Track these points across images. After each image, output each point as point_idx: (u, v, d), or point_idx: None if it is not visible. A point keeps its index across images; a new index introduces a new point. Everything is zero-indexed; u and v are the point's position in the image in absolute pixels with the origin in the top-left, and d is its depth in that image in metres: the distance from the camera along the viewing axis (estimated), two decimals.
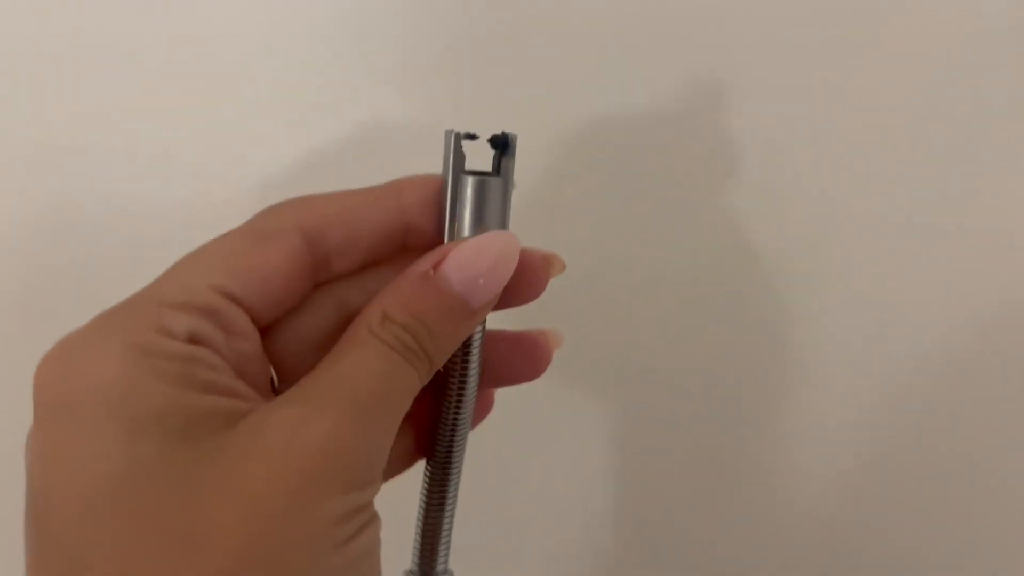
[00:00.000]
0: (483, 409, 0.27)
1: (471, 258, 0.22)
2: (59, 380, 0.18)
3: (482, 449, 0.29)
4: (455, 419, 0.24)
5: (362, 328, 0.21)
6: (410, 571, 0.26)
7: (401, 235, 0.23)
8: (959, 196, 0.41)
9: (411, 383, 0.21)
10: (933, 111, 0.40)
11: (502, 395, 0.28)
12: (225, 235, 0.21)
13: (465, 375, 0.24)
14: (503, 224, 0.23)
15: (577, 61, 0.40)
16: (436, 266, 0.21)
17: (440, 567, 0.26)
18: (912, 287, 0.41)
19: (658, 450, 0.44)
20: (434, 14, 0.39)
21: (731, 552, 0.44)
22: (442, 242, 0.23)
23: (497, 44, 0.40)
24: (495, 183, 0.23)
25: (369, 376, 0.20)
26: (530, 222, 0.29)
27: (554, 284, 0.25)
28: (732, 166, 0.41)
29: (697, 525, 0.44)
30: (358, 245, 0.23)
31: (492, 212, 0.23)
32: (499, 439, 0.34)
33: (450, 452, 0.25)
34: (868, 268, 0.41)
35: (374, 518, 0.20)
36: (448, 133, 0.23)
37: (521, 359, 0.26)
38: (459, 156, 0.23)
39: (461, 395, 0.24)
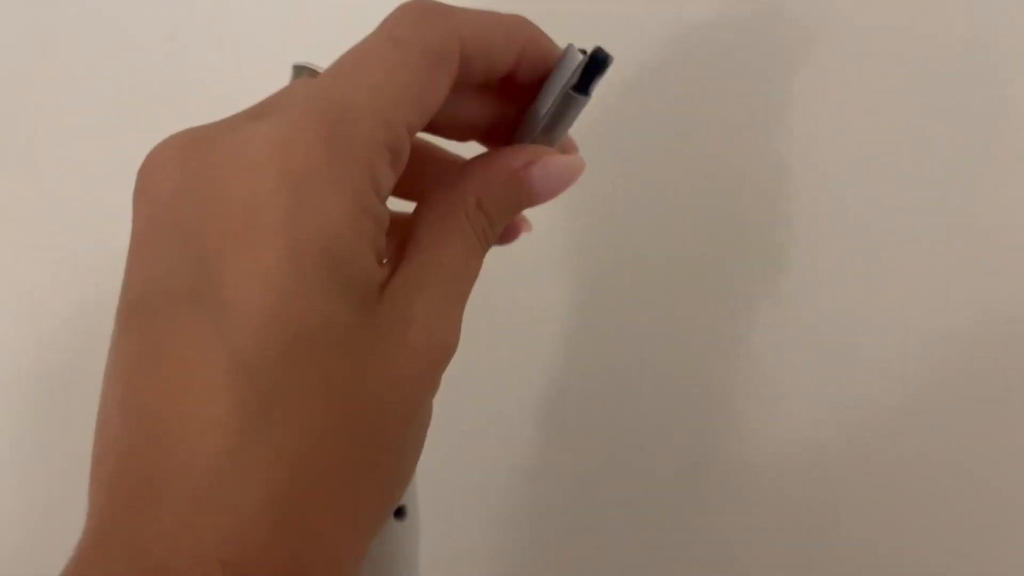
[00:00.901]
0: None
1: (560, 173, 0.23)
2: (289, 214, 0.18)
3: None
4: None
5: (460, 214, 0.22)
6: None
7: (502, 78, 0.23)
8: (966, 195, 0.41)
9: (478, 266, 0.22)
10: (938, 109, 0.40)
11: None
12: (389, 48, 0.20)
13: None
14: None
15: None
16: (527, 166, 0.23)
17: None
18: (910, 283, 0.41)
19: (645, 448, 0.44)
20: None
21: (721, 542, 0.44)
22: (521, 127, 0.24)
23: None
24: (583, 103, 0.23)
25: (464, 266, 0.22)
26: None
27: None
28: (734, 166, 0.41)
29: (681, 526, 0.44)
30: (484, 70, 0.22)
31: (569, 127, 0.24)
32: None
33: None
34: (867, 265, 0.41)
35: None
36: (571, 48, 0.23)
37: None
38: (574, 73, 0.22)
39: None
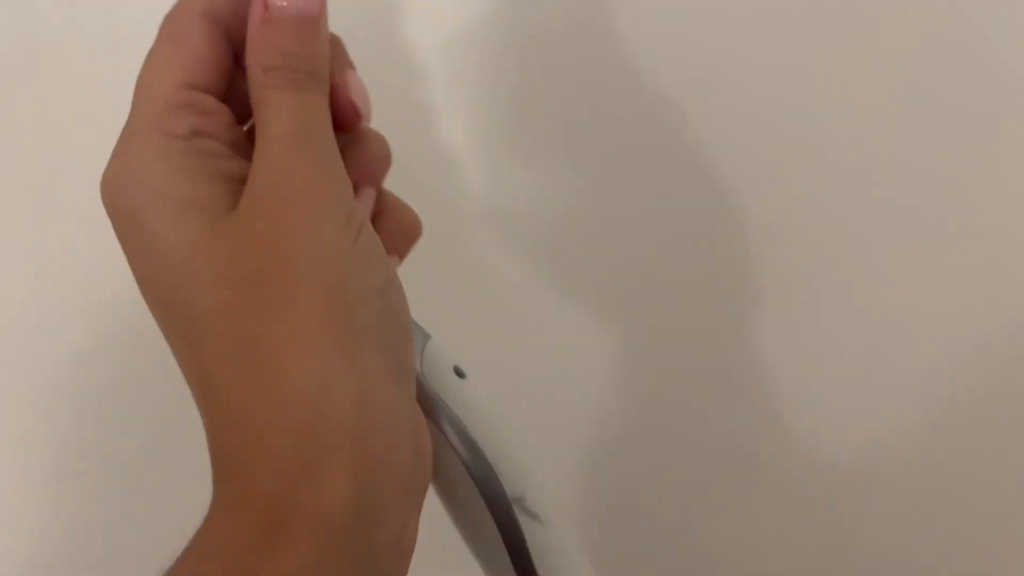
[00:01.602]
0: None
1: None
2: (120, 194, 0.23)
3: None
4: None
5: (257, 88, 0.24)
6: None
7: None
8: (992, 199, 0.41)
9: (320, 104, 0.24)
10: (944, 108, 0.40)
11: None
12: (151, 51, 0.24)
13: None
14: None
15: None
16: (266, 6, 0.24)
17: None
18: (932, 286, 0.42)
19: (664, 448, 0.44)
20: None
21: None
22: None
23: None
24: None
25: (289, 120, 0.23)
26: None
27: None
28: (736, 166, 0.42)
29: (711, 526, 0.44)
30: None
31: None
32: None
33: None
34: (886, 267, 0.41)
35: (365, 223, 0.24)
36: None
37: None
38: None
39: None
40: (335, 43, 0.26)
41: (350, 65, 0.27)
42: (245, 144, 0.24)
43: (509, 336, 0.43)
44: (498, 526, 0.26)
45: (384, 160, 0.28)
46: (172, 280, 0.22)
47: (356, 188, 0.25)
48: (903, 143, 0.41)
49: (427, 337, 0.27)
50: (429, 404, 0.26)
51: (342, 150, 0.24)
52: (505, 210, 0.42)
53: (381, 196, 0.28)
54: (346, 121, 0.25)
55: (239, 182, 0.23)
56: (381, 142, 0.28)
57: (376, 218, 0.27)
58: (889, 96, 0.41)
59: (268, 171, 0.22)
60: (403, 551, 0.22)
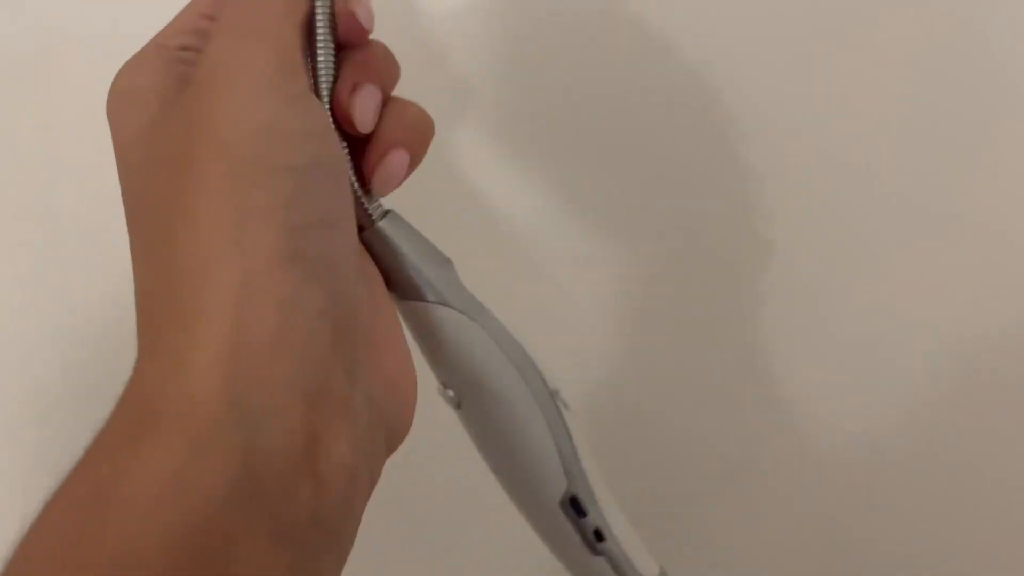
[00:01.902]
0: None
1: None
2: (110, 96, 0.24)
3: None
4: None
5: None
6: None
7: None
8: (988, 195, 0.41)
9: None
10: (956, 109, 0.40)
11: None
12: None
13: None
14: None
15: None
16: None
17: None
18: (932, 284, 0.42)
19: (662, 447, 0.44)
20: None
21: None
22: None
23: None
24: None
25: (229, 9, 0.23)
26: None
27: None
28: (739, 167, 0.41)
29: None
30: None
31: None
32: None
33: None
34: (886, 266, 0.41)
35: (302, 99, 0.23)
36: None
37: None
38: None
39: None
40: None
41: None
42: None
43: None
44: (545, 416, 0.27)
45: (387, 61, 0.26)
46: (123, 166, 0.23)
47: (355, 86, 0.24)
48: (904, 141, 0.41)
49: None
50: (469, 306, 0.26)
51: (345, 55, 0.25)
52: (505, 209, 0.42)
53: (388, 100, 0.26)
54: (349, 33, 0.25)
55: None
56: (384, 49, 0.26)
57: (381, 118, 0.26)
58: (891, 95, 0.41)
59: (205, 58, 0.22)
60: (315, 473, 0.20)
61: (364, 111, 0.24)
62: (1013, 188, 0.41)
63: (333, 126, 0.24)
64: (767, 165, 0.41)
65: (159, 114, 0.22)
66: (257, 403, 0.19)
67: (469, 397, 0.27)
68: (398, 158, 0.25)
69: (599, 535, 0.28)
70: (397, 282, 0.26)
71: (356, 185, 0.25)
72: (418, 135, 0.26)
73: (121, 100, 0.24)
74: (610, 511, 0.29)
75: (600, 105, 0.42)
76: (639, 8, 0.41)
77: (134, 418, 0.19)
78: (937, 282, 0.41)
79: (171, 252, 0.20)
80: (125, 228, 0.43)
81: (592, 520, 0.28)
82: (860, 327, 0.42)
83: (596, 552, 0.28)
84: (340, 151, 0.24)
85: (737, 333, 0.43)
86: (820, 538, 0.44)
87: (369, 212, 0.26)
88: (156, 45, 0.25)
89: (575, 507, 0.28)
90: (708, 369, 0.43)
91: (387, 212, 0.26)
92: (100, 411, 0.44)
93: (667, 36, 0.41)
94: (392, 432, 0.25)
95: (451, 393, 0.27)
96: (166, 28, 0.25)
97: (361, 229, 0.26)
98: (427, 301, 0.26)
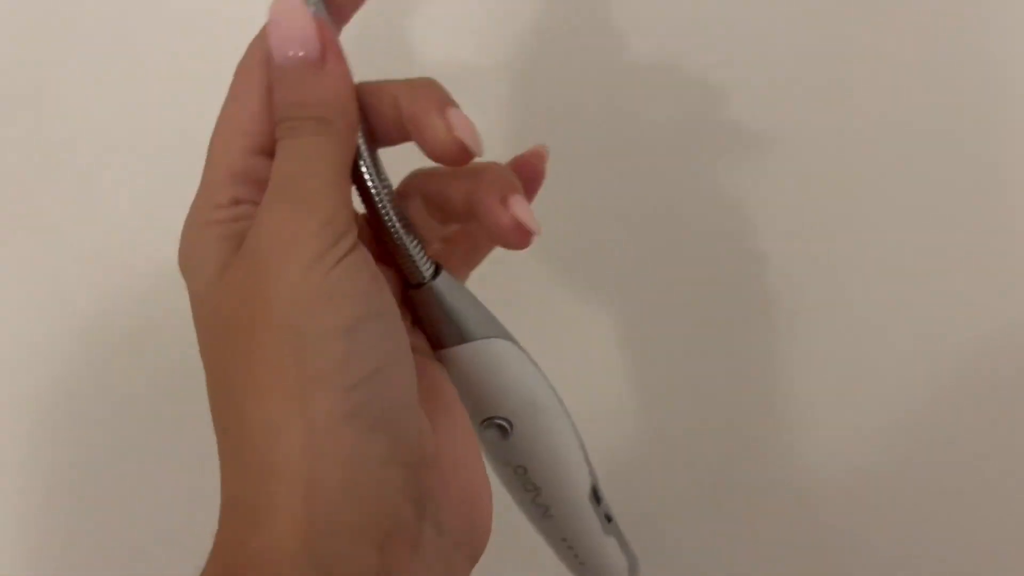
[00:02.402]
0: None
1: (269, 30, 0.24)
2: (179, 255, 0.25)
3: None
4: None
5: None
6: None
7: None
8: (990, 204, 0.41)
9: (317, 145, 0.24)
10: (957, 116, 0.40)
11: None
12: (222, 108, 0.25)
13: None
14: None
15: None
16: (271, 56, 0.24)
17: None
18: (934, 297, 0.42)
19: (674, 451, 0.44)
20: None
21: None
22: None
23: None
24: None
25: (276, 170, 0.24)
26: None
27: None
28: (742, 167, 0.42)
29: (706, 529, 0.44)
30: None
31: None
32: None
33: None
34: (886, 271, 0.42)
35: (352, 250, 0.23)
36: None
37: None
38: None
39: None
40: (422, 85, 0.25)
41: (450, 103, 0.25)
42: None
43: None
44: (569, 418, 0.29)
45: (502, 180, 0.27)
46: (196, 320, 0.24)
47: (503, 199, 0.25)
48: (906, 142, 0.41)
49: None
50: (508, 332, 0.28)
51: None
52: None
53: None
54: (456, 159, 0.25)
55: None
56: (497, 171, 0.27)
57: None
58: (889, 99, 0.41)
59: (257, 227, 0.23)
60: None
61: (525, 214, 0.26)
62: (1013, 188, 0.41)
63: (380, 275, 0.24)
64: (767, 166, 0.41)
65: (219, 279, 0.23)
66: (330, 551, 0.21)
67: (522, 420, 0.28)
68: (519, 206, 0.26)
69: (608, 517, 0.32)
70: (449, 332, 0.27)
71: (412, 246, 0.26)
72: (513, 179, 0.27)
73: (186, 262, 0.24)
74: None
75: (592, 101, 0.42)
76: (635, 15, 0.41)
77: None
78: (937, 282, 0.41)
79: (240, 417, 0.22)
80: (119, 239, 0.43)
81: (605, 504, 0.31)
82: (861, 327, 0.42)
83: (607, 533, 0.32)
84: (389, 298, 0.24)
85: (737, 334, 0.42)
86: (818, 544, 0.44)
87: (422, 271, 0.26)
88: (207, 200, 0.24)
89: (595, 494, 0.31)
90: (708, 370, 0.43)
91: (438, 268, 0.27)
92: (100, 411, 0.44)
93: (664, 48, 0.41)
94: (473, 546, 0.26)
95: (501, 423, 0.28)
96: (209, 171, 0.25)
97: (413, 286, 0.27)
98: (481, 339, 0.27)
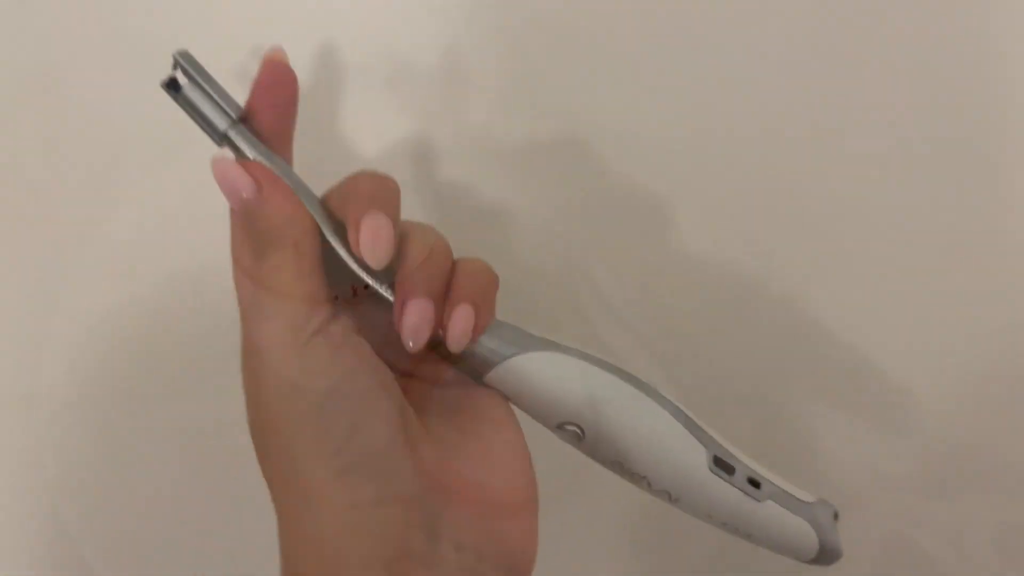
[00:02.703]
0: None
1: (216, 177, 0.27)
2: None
3: None
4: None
5: None
6: None
7: None
8: (997, 204, 0.41)
9: (273, 260, 0.26)
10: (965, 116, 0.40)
11: None
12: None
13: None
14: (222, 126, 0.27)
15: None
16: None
17: None
18: (931, 285, 0.41)
19: None
20: None
21: None
22: None
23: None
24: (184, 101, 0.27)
25: (263, 281, 0.27)
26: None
27: None
28: (743, 168, 0.42)
29: None
30: None
31: (209, 120, 0.27)
32: None
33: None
34: (886, 272, 0.41)
35: (300, 340, 0.26)
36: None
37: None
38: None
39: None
40: (348, 193, 0.28)
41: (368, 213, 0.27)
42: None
43: None
44: (655, 400, 0.29)
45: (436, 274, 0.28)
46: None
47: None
48: (904, 142, 0.41)
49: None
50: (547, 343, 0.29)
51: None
52: (508, 215, 0.42)
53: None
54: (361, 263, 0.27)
55: None
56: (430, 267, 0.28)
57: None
58: (891, 96, 0.41)
59: (242, 333, 0.27)
60: None
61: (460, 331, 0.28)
62: (1013, 189, 0.41)
63: (350, 339, 0.27)
64: (767, 166, 0.41)
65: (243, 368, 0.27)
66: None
67: (586, 420, 0.29)
68: (462, 313, 0.28)
69: (754, 482, 0.29)
70: (475, 365, 0.29)
71: (345, 253, 0.28)
72: (480, 289, 0.29)
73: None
74: (749, 459, 0.30)
75: (591, 102, 0.42)
76: (635, 17, 0.41)
77: None
78: (937, 283, 0.41)
79: (273, 492, 0.26)
80: (130, 241, 0.43)
81: (741, 472, 0.29)
82: (860, 328, 0.42)
83: (759, 499, 0.29)
84: (358, 360, 0.27)
85: (735, 336, 0.43)
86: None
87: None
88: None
89: (722, 466, 0.29)
90: (707, 372, 0.43)
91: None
92: (98, 413, 0.44)
93: (665, 48, 0.41)
94: (507, 558, 0.28)
95: (571, 428, 0.29)
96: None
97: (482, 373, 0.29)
98: (502, 360, 0.29)
